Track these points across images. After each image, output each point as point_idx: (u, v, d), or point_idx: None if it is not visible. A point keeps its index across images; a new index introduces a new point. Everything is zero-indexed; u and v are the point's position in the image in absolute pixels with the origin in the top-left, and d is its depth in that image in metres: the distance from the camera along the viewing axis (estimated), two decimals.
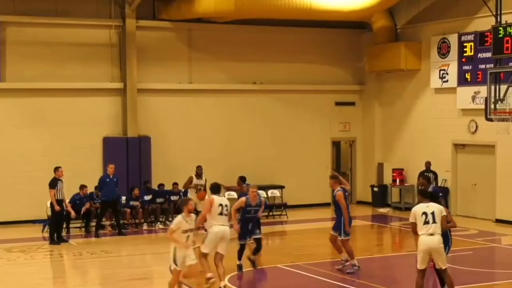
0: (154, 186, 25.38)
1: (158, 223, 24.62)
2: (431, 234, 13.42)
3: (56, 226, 21.88)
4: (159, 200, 24.86)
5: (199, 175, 23.43)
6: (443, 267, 13.67)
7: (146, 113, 26.25)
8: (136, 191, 24.44)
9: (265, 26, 27.89)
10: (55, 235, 21.68)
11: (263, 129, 28.25)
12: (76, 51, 25.48)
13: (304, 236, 22.83)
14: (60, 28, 25.26)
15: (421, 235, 13.51)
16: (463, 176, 26.25)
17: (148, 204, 24.55)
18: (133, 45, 25.89)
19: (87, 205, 23.40)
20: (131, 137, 25.81)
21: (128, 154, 25.69)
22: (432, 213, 13.51)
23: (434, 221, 13.45)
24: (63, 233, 22.36)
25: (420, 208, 13.67)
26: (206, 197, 18.90)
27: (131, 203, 24.30)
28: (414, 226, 13.71)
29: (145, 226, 24.34)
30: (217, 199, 15.58)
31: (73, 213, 22.19)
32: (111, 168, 23.12)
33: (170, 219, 24.85)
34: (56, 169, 21.74)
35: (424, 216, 13.49)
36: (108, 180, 23.07)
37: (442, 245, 13.48)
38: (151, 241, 23.03)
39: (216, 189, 15.96)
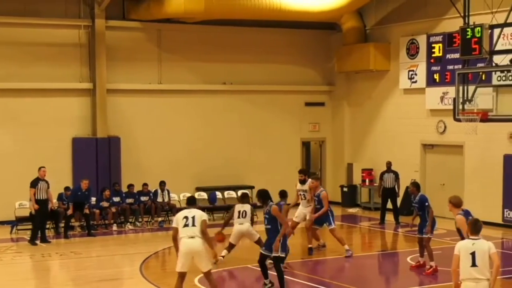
0: (124, 186, 25.30)
1: (128, 223, 24.55)
2: None
3: (40, 226, 21.72)
4: (128, 200, 24.80)
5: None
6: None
7: (116, 113, 26.14)
8: (107, 192, 24.35)
9: (235, 27, 27.91)
10: (39, 235, 21.55)
11: (233, 130, 28.25)
12: (45, 51, 25.33)
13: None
14: (29, 28, 25.09)
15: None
16: (432, 176, 26.43)
17: (118, 205, 24.47)
18: (103, 45, 25.77)
19: (54, 204, 23.26)
20: (101, 138, 25.70)
21: (97, 154, 25.58)
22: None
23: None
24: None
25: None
26: None
27: (101, 204, 24.20)
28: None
29: (114, 227, 24.25)
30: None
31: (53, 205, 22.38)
32: (85, 184, 23.03)
33: (140, 219, 24.84)
34: (39, 169, 21.69)
35: None
36: (79, 193, 23.05)
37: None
38: (121, 241, 22.94)
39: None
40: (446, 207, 25.63)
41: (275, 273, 14.86)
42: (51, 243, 21.73)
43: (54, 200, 22.90)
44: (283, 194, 17.02)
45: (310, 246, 19.50)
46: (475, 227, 11.07)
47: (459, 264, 10.78)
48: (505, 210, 23.55)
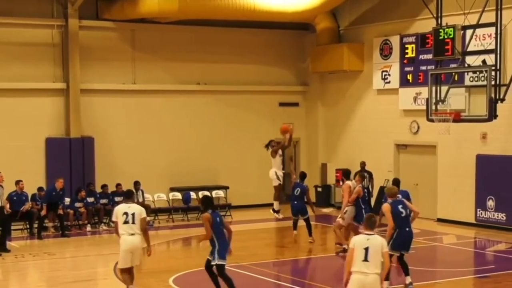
0: (98, 187, 25.22)
1: (102, 224, 24.48)
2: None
3: None
4: (103, 201, 24.73)
5: None
6: None
7: (89, 113, 26.05)
8: (83, 193, 24.28)
9: (209, 27, 27.91)
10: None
11: (207, 130, 28.24)
12: (18, 51, 25.17)
13: (248, 237, 22.88)
14: (1, 28, 24.90)
15: None
16: (405, 176, 26.49)
17: (92, 206, 24.40)
18: (76, 45, 25.67)
19: (27, 205, 23.13)
20: (74, 138, 25.58)
21: (71, 155, 25.46)
22: None
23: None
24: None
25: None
26: None
27: (76, 204, 24.12)
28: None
29: (88, 228, 24.18)
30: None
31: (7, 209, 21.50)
32: (60, 183, 22.92)
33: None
34: None
35: None
36: (54, 194, 22.92)
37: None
38: (95, 242, 22.87)
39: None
40: (419, 207, 25.79)
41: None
42: (22, 244, 21.59)
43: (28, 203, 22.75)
44: (303, 176, 20.12)
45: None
46: (368, 222, 11.55)
47: (353, 257, 11.16)
48: (478, 209, 23.72)
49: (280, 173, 21.87)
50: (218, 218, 14.00)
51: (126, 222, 14.31)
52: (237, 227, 25.12)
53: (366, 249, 11.06)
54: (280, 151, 21.84)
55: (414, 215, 15.78)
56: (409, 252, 15.50)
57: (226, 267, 14.03)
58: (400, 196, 15.77)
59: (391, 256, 14.27)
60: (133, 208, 14.42)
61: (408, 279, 15.40)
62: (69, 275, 17.68)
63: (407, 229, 15.32)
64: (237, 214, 26.66)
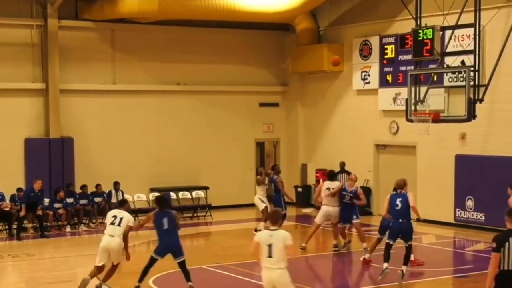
0: (77, 187, 25.12)
1: (82, 225, 24.40)
2: None
3: None
4: (82, 201, 24.65)
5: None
6: None
7: (69, 114, 25.96)
8: (62, 193, 24.18)
9: (189, 27, 27.89)
10: None
11: (188, 130, 28.22)
12: None
13: (229, 237, 22.90)
14: None
15: None
16: (385, 176, 26.67)
17: (71, 206, 24.31)
18: (55, 45, 25.57)
19: (4, 204, 23.02)
20: (54, 138, 25.49)
21: (50, 155, 25.37)
22: None
23: None
24: None
25: None
26: None
27: (55, 205, 24.02)
28: None
29: (68, 228, 24.09)
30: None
31: None
32: (38, 184, 22.83)
33: (94, 221, 24.70)
34: None
35: None
36: (32, 194, 22.82)
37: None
38: (74, 243, 22.81)
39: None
40: None
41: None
42: (1, 245, 21.48)
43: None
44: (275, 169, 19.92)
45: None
46: (273, 217, 11.86)
47: (257, 247, 11.53)
48: (457, 209, 23.85)
49: (264, 198, 22.15)
50: (164, 219, 14.85)
51: (112, 223, 15.08)
52: (218, 227, 25.17)
53: (270, 245, 11.38)
54: (266, 180, 22.42)
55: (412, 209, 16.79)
56: (408, 243, 16.59)
57: (185, 263, 15.10)
58: (400, 190, 16.71)
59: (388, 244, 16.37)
60: (124, 214, 15.16)
61: (385, 265, 16.36)
62: (49, 276, 17.62)
63: (399, 220, 16.42)
64: (218, 214, 26.66)
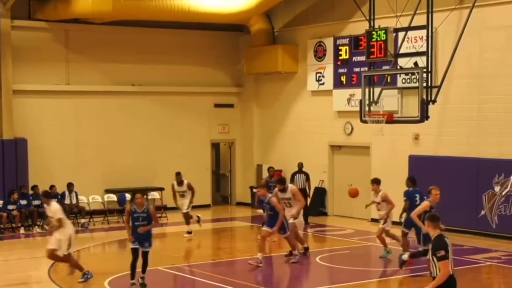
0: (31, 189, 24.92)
1: (36, 226, 24.19)
2: None
3: None
4: (35, 203, 24.44)
5: (179, 183, 23.50)
6: None
7: (22, 114, 25.72)
8: (16, 195, 23.95)
9: (144, 28, 27.80)
10: None
11: (143, 131, 28.13)
12: None
13: (184, 238, 22.86)
14: None
15: None
16: (340, 177, 26.86)
17: (25, 208, 24.09)
18: (8, 45, 25.31)
19: None
20: (7, 139, 25.23)
21: (3, 156, 25.09)
22: None
23: None
24: None
25: None
26: None
27: (9, 207, 23.79)
28: None
29: (22, 230, 23.87)
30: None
31: None
32: None
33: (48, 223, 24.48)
34: None
35: None
36: None
37: None
38: (29, 245, 22.61)
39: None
40: (354, 208, 26.26)
41: None
42: None
43: None
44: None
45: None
46: None
47: None
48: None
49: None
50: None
51: None
52: (172, 228, 25.12)
53: None
54: None
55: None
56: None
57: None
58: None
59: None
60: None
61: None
62: (2, 279, 17.42)
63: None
64: (173, 215, 26.59)
